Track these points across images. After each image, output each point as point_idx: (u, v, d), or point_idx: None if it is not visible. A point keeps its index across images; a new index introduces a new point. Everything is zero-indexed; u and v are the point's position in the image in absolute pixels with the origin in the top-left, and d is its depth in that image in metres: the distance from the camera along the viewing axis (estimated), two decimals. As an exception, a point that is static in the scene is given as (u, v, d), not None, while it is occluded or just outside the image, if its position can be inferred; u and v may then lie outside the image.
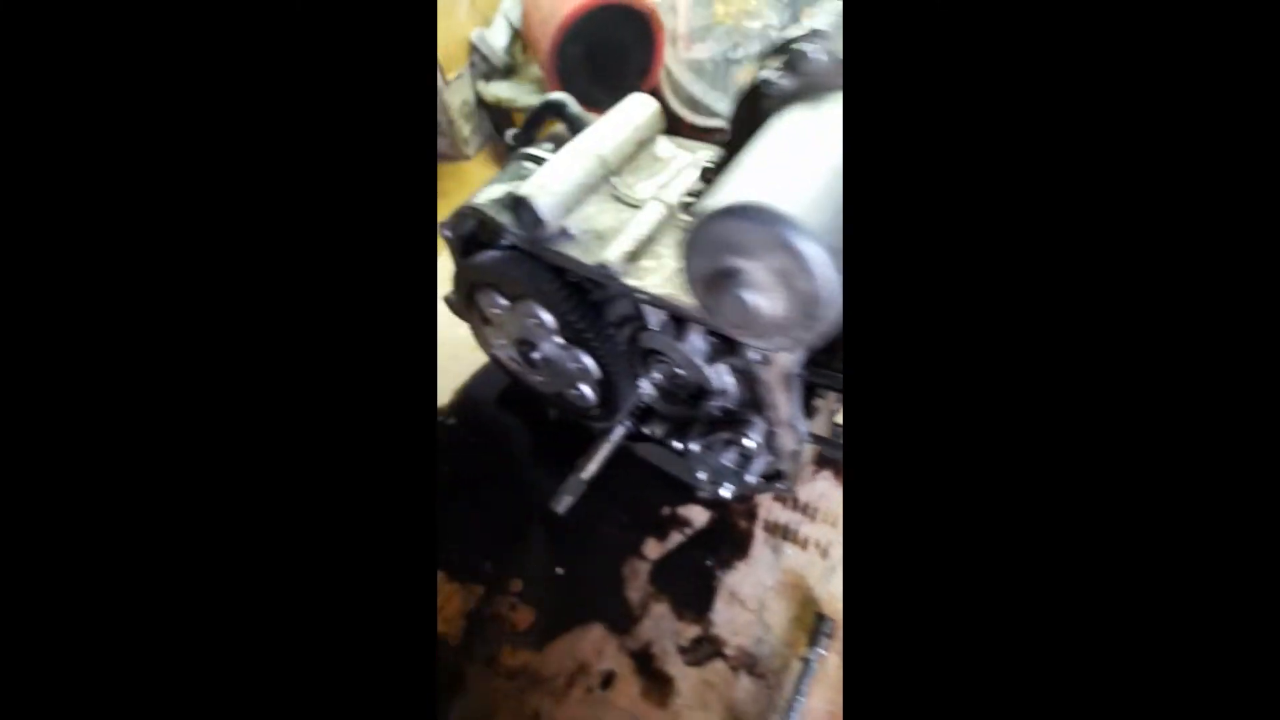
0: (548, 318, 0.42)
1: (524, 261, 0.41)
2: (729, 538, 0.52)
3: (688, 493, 0.54)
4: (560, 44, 0.62)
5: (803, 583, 0.49)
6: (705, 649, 0.47)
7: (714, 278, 0.26)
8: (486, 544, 0.53)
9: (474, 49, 0.79)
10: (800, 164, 0.25)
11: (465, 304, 0.49)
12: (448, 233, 0.45)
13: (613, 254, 0.37)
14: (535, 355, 0.46)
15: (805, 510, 0.53)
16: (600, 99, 0.56)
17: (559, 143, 0.45)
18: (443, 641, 0.49)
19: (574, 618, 0.49)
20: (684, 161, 0.44)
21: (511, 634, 0.49)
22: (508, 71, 0.81)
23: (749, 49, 0.71)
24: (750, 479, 0.42)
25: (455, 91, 0.79)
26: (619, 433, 0.51)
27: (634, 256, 0.38)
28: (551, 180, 0.39)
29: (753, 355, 0.35)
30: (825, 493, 0.54)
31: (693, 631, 0.48)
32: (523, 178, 0.43)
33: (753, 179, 0.25)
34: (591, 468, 0.50)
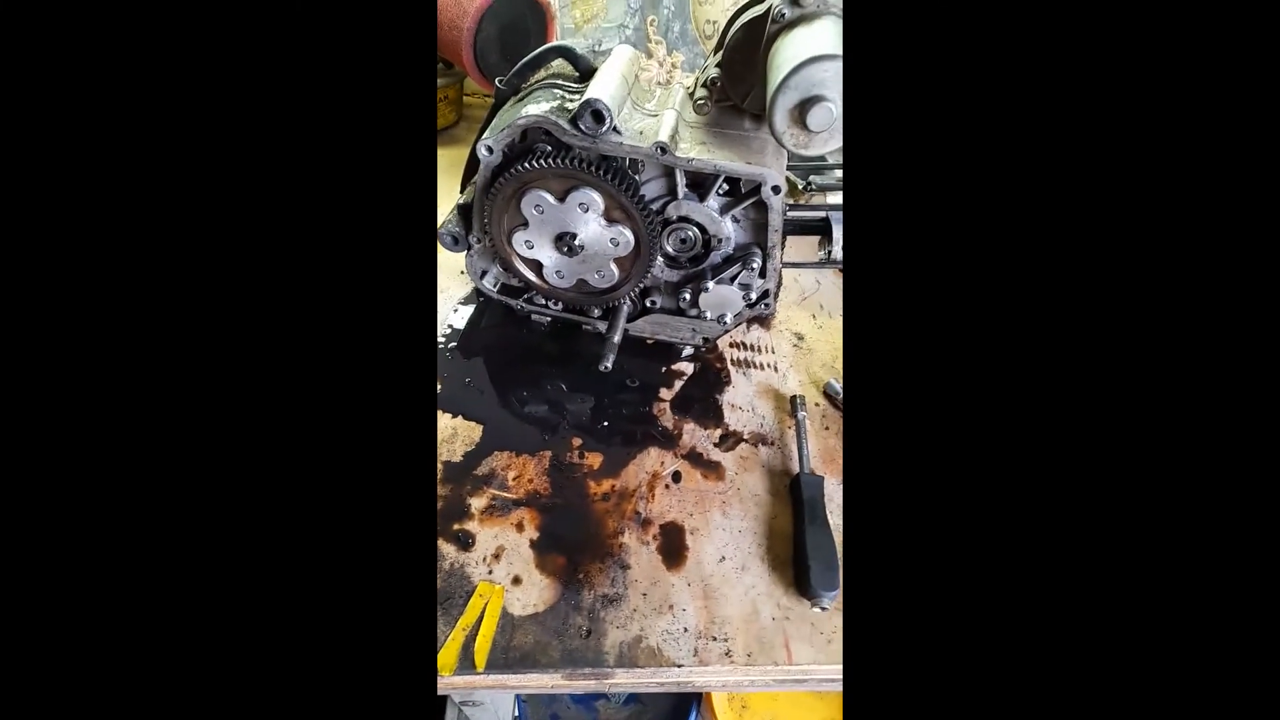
0: (598, 199, 0.54)
1: (579, 156, 0.52)
2: (713, 375, 0.69)
3: (674, 356, 0.69)
4: (479, 22, 0.72)
5: (771, 388, 0.68)
6: (731, 440, 0.62)
7: (801, 104, 0.43)
8: (536, 427, 0.61)
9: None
10: (822, 43, 0.43)
11: (499, 214, 0.57)
12: (486, 149, 0.53)
13: (663, 139, 0.51)
14: (576, 242, 0.57)
15: (752, 348, 0.72)
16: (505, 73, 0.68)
17: (554, 81, 0.57)
18: (536, 494, 0.56)
19: (633, 447, 0.60)
20: (659, 93, 0.60)
21: (590, 472, 0.58)
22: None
23: (610, 43, 0.89)
24: (753, 298, 0.60)
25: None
26: (626, 305, 0.64)
27: (674, 141, 0.52)
28: (606, 93, 0.51)
29: (766, 193, 0.53)
30: (761, 335, 0.74)
31: (717, 433, 0.63)
32: (559, 99, 0.54)
33: (813, 46, 0.42)
34: (617, 332, 0.62)
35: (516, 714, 0.84)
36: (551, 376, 0.65)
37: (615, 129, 0.52)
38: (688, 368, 0.69)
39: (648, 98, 0.59)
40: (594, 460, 0.59)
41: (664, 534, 0.54)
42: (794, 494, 0.57)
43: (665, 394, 0.66)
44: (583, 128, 0.51)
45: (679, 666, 0.46)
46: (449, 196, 0.66)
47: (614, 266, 0.59)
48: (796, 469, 0.59)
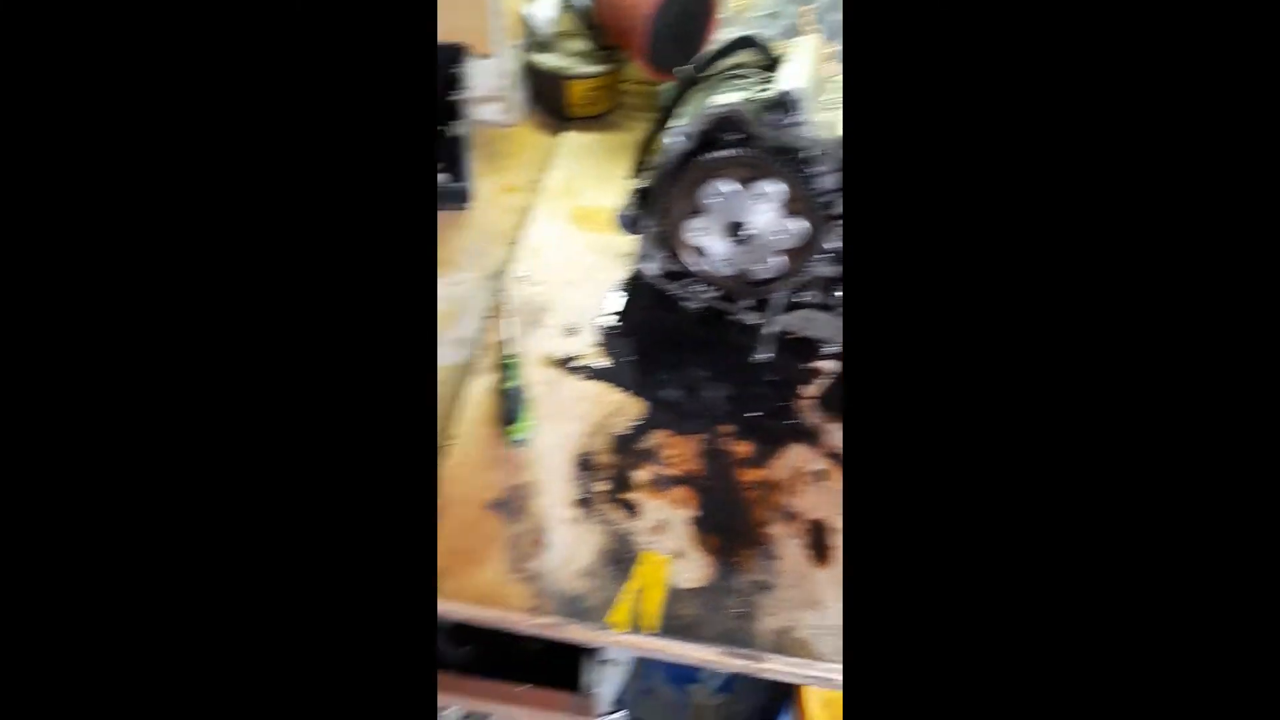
0: (778, 190, 0.54)
1: (765, 146, 0.53)
2: (858, 376, 0.67)
3: (814, 353, 0.68)
4: (658, 9, 0.73)
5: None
6: (878, 443, 0.61)
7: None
8: (690, 410, 0.62)
9: (524, 23, 0.85)
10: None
11: (678, 199, 0.58)
12: (683, 135, 0.55)
13: (854, 132, 0.51)
14: (748, 232, 0.57)
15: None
16: (677, 61, 0.68)
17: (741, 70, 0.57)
18: (693, 474, 0.57)
19: (779, 441, 0.60)
20: (829, 86, 0.59)
21: (740, 460, 0.59)
22: (552, 43, 0.88)
23: (766, 32, 0.88)
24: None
25: (505, 62, 0.84)
26: (784, 297, 0.63)
27: (863, 135, 0.51)
28: (798, 84, 0.51)
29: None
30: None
31: (864, 435, 0.62)
32: (747, 89, 0.54)
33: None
34: (775, 324, 0.62)
35: (619, 682, 0.87)
36: (701, 363, 0.66)
37: (802, 121, 0.51)
38: (828, 366, 0.68)
39: (820, 90, 0.58)
40: (744, 449, 0.59)
41: (811, 530, 0.54)
42: (946, 505, 0.55)
43: (808, 391, 0.65)
44: (773, 118, 0.51)
45: (829, 662, 0.46)
46: (602, 183, 0.68)
47: (780, 258, 0.59)
48: (949, 480, 0.57)
